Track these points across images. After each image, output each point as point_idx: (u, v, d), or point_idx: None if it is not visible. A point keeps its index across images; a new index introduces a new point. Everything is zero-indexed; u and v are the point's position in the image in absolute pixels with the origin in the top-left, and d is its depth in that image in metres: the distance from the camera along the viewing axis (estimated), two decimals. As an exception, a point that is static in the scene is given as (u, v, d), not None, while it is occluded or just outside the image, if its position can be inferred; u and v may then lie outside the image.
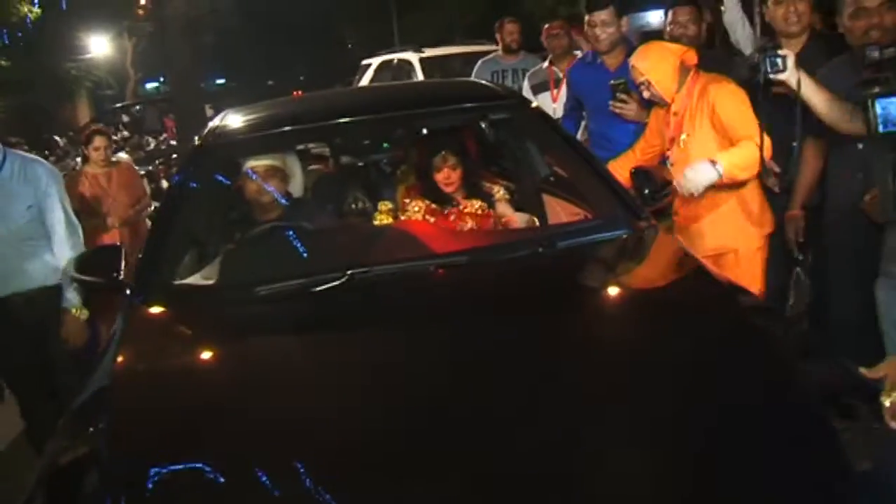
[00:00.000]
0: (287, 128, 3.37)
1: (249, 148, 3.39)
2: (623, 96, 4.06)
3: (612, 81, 4.15)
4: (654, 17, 14.53)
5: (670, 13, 4.28)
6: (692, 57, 3.63)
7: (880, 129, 2.14)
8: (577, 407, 1.93)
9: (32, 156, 4.07)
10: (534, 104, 3.87)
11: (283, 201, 3.44)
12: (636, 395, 1.97)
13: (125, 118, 18.92)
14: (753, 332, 2.30)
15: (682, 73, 3.61)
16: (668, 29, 4.29)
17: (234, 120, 3.48)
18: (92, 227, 5.38)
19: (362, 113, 3.45)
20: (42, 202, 3.93)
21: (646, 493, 1.69)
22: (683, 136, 3.59)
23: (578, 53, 5.70)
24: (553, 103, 5.56)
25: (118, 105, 21.32)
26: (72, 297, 3.89)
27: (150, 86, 28.46)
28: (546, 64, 5.92)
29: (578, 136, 4.79)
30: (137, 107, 20.61)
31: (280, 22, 25.96)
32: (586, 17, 4.37)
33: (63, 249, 3.94)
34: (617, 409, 1.92)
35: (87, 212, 5.55)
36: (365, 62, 12.82)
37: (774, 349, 2.21)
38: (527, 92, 5.72)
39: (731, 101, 3.52)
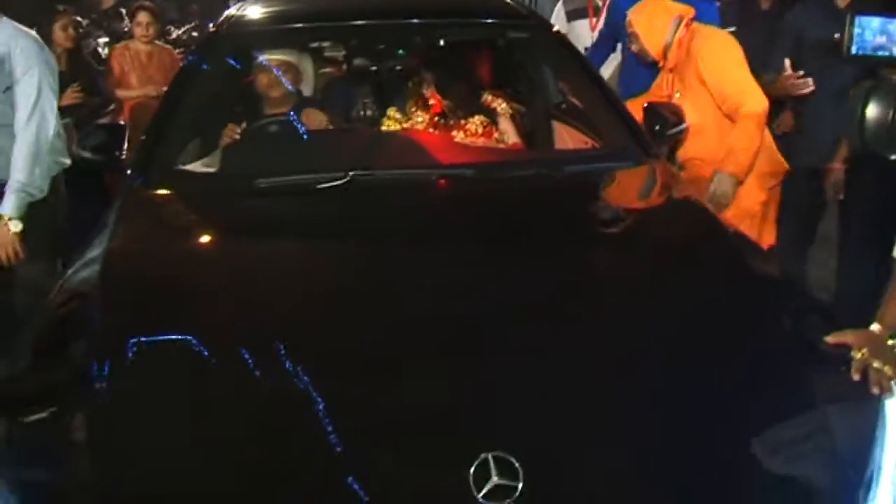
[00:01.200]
0: (303, 24, 3.31)
1: (263, 40, 3.34)
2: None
3: (623, 20, 4.04)
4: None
5: None
6: (689, 11, 3.56)
7: (853, 49, 2.04)
8: (564, 332, 1.94)
9: (23, 29, 3.46)
10: (555, 28, 3.77)
11: (293, 96, 3.38)
12: (623, 325, 1.98)
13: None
14: (740, 272, 2.28)
15: (674, 27, 3.52)
16: None
17: (251, 11, 3.41)
18: (126, 99, 5.41)
19: (378, 17, 3.38)
20: (18, 80, 3.33)
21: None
22: (677, 95, 3.53)
23: None
24: (592, 31, 5.35)
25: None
26: (9, 203, 3.26)
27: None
28: None
29: (607, 66, 4.69)
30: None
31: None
32: None
33: (19, 141, 3.31)
34: (605, 334, 1.95)
35: (123, 85, 5.56)
36: None
37: (758, 290, 2.20)
38: (559, 17, 5.48)
39: (715, 59, 3.44)
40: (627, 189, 2.88)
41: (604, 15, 5.14)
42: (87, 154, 2.94)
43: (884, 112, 1.95)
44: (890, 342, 2.10)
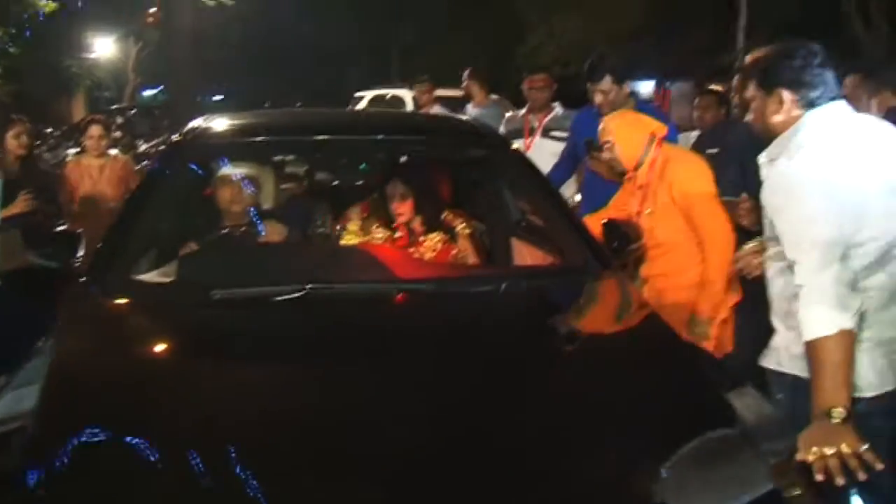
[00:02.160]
0: (266, 137, 3.31)
1: (226, 151, 3.34)
2: (596, 154, 4.03)
3: (585, 139, 4.12)
4: (645, 88, 14.80)
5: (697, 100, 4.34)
6: (662, 130, 3.62)
7: None
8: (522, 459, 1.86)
9: None
10: (514, 146, 3.83)
11: (254, 213, 3.36)
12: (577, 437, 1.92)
13: (119, 120, 18.80)
14: (698, 384, 2.25)
15: (648, 144, 3.56)
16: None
17: (216, 123, 3.41)
18: (81, 215, 5.32)
19: (339, 132, 3.40)
20: None
21: None
22: (648, 211, 3.55)
23: (555, 105, 5.70)
24: (526, 151, 5.53)
25: (114, 106, 21.20)
26: None
27: (147, 93, 28.32)
28: (523, 112, 5.90)
29: (569, 184, 4.82)
30: (133, 111, 20.49)
31: (284, 50, 26.00)
32: (588, 85, 4.35)
33: None
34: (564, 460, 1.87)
35: (76, 201, 5.54)
36: (357, 94, 12.87)
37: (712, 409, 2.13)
38: None
39: (689, 186, 3.46)
40: (586, 303, 2.86)
41: (537, 136, 5.35)
42: (40, 261, 2.87)
43: None
44: (835, 421, 2.12)
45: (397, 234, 3.41)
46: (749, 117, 2.60)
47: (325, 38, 25.24)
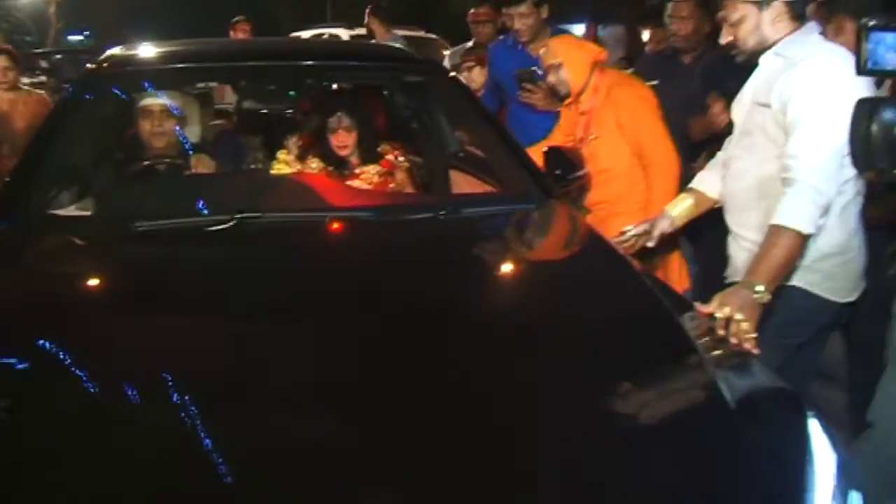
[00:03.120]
0: (189, 64, 3.09)
1: (146, 77, 3.07)
2: (529, 85, 3.87)
3: (517, 70, 3.96)
4: (577, 31, 14.63)
5: (669, 5, 4.13)
6: (601, 55, 3.50)
7: (868, 65, 2.00)
8: (463, 386, 1.70)
9: None
10: (450, 73, 3.65)
11: (177, 141, 3.14)
12: (524, 373, 1.76)
13: (44, 64, 18.05)
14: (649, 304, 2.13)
15: (591, 70, 3.44)
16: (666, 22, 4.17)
17: (136, 50, 3.17)
18: None
19: (269, 58, 3.19)
20: None
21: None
22: (592, 137, 3.43)
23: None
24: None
25: (38, 50, 20.35)
26: None
27: (73, 38, 27.22)
28: (469, 46, 5.69)
29: None
30: (58, 56, 19.67)
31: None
32: (504, 10, 4.17)
33: None
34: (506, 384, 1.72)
35: None
36: (293, 35, 12.46)
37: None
38: None
39: (636, 110, 3.38)
40: (530, 231, 2.73)
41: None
42: None
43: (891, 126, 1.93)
44: (756, 296, 2.31)
45: (331, 167, 3.22)
46: (729, 38, 2.73)
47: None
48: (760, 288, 2.31)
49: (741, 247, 2.65)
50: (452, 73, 3.68)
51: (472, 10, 5.60)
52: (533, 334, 1.91)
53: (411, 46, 6.07)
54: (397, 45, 6.13)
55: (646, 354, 1.86)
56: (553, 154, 3.11)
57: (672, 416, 1.72)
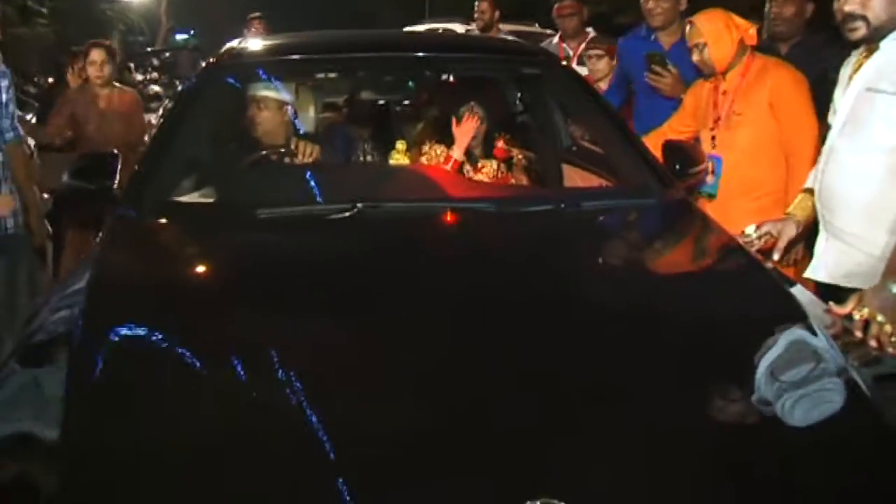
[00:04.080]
0: (306, 55, 3.07)
1: (264, 70, 3.06)
2: (658, 68, 3.72)
3: (647, 52, 3.81)
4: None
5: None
6: (753, 37, 3.31)
7: None
8: (605, 377, 1.64)
9: None
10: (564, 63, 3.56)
11: (292, 130, 3.13)
12: (666, 373, 1.67)
13: (155, 62, 18.63)
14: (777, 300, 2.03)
15: (740, 49, 3.28)
16: (766, 8, 4.00)
17: (252, 43, 3.18)
18: (81, 147, 4.83)
19: (385, 50, 3.14)
20: None
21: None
22: (737, 115, 3.27)
23: (590, 31, 5.37)
24: None
25: (149, 49, 21.02)
26: None
27: (180, 37, 28.01)
28: (556, 39, 5.57)
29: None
30: (167, 53, 20.29)
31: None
32: None
33: None
34: (648, 380, 1.64)
35: (75, 131, 5.02)
36: (408, 29, 12.36)
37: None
38: None
39: (795, 93, 3.21)
40: (651, 224, 2.63)
41: (573, 64, 5.05)
42: (75, 182, 2.66)
43: None
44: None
45: (456, 156, 3.15)
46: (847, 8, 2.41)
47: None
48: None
49: (845, 243, 2.48)
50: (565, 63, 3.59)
51: (556, 5, 5.48)
52: (665, 331, 1.82)
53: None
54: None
55: (783, 354, 1.75)
56: (672, 148, 2.99)
57: (818, 421, 1.61)
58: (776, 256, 2.65)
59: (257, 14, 6.87)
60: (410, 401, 1.55)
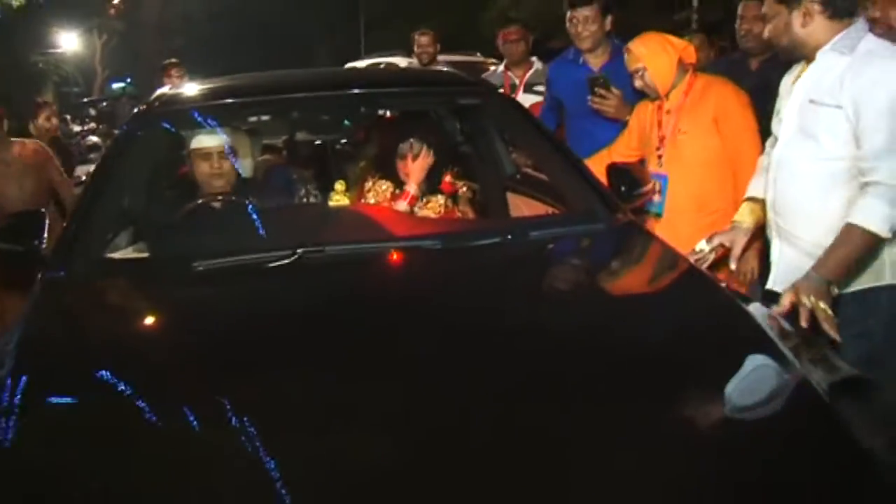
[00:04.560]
0: (240, 99, 2.97)
1: (197, 115, 2.95)
2: (602, 91, 3.69)
3: (589, 75, 3.78)
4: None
5: (740, 6, 3.97)
6: (691, 54, 3.30)
7: None
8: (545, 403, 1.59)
9: None
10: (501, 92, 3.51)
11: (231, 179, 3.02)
12: (614, 388, 1.65)
13: (92, 112, 18.40)
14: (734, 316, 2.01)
15: (680, 70, 3.27)
16: (736, 24, 4.01)
17: (184, 88, 3.09)
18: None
19: (322, 88, 3.07)
20: None
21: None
22: (682, 133, 3.26)
23: (534, 60, 5.36)
24: None
25: (86, 99, 20.75)
26: None
27: (116, 85, 27.68)
28: (501, 68, 5.55)
29: None
30: (104, 103, 20.04)
31: (248, 30, 25.47)
32: (567, 13, 4.00)
33: None
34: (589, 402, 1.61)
35: None
36: (350, 65, 12.18)
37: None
38: None
39: (739, 108, 3.22)
40: (599, 251, 2.58)
41: (520, 92, 5.03)
42: (1, 244, 2.52)
43: None
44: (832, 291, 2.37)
45: (398, 192, 3.06)
46: (766, 34, 2.65)
47: (289, 18, 24.74)
48: (833, 286, 2.36)
49: (798, 249, 2.56)
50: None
51: (502, 31, 5.45)
52: (628, 355, 1.77)
53: (462, 70, 5.93)
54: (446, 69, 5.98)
55: (746, 374, 1.74)
56: (616, 170, 2.95)
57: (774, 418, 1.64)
58: (733, 265, 2.75)
59: (173, 60, 6.60)
60: (364, 447, 1.48)
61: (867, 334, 2.47)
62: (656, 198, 3.26)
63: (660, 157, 3.31)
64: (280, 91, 3.05)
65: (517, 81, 5.28)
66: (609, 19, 3.92)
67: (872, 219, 2.32)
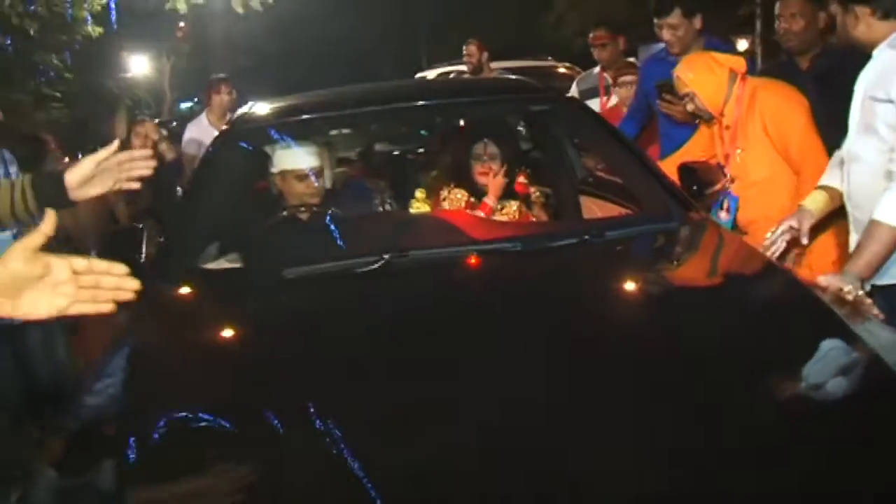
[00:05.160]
0: (319, 114, 3.08)
1: (280, 131, 3.06)
2: (668, 97, 3.71)
3: (657, 82, 3.81)
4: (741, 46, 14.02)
5: (777, 4, 3.87)
6: (741, 65, 3.25)
7: None
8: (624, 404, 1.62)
9: None
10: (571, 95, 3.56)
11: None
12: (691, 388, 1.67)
13: (164, 132, 18.76)
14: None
15: (731, 82, 3.20)
16: (776, 24, 3.92)
17: (263, 106, 3.20)
18: None
19: (396, 101, 3.16)
20: None
21: None
22: (739, 152, 3.20)
23: (634, 60, 5.37)
24: (600, 110, 5.21)
25: (157, 120, 21.22)
26: None
27: (184, 105, 28.36)
28: (598, 69, 5.56)
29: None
30: (174, 123, 20.50)
31: (314, 48, 25.84)
32: (655, 21, 4.03)
33: None
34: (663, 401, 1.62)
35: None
36: (420, 75, 12.21)
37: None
38: (573, 95, 5.35)
39: (784, 112, 3.12)
40: (678, 248, 2.61)
41: (613, 95, 5.03)
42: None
43: None
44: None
45: (472, 200, 3.14)
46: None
47: (352, 37, 25.05)
48: (860, 278, 2.39)
49: None
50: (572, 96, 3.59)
51: (591, 34, 5.44)
52: (709, 356, 1.79)
53: (533, 75, 5.96)
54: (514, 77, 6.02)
55: (817, 349, 1.80)
56: (688, 170, 2.98)
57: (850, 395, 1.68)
58: (804, 241, 2.77)
59: (222, 76, 6.62)
60: (453, 457, 1.52)
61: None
62: (723, 216, 3.21)
63: (725, 174, 3.23)
64: (359, 105, 3.15)
65: (611, 82, 5.29)
66: (698, 18, 3.91)
67: (891, 212, 2.38)
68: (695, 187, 2.90)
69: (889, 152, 2.44)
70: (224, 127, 3.23)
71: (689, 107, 3.30)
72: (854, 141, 2.62)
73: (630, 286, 2.30)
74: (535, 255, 2.44)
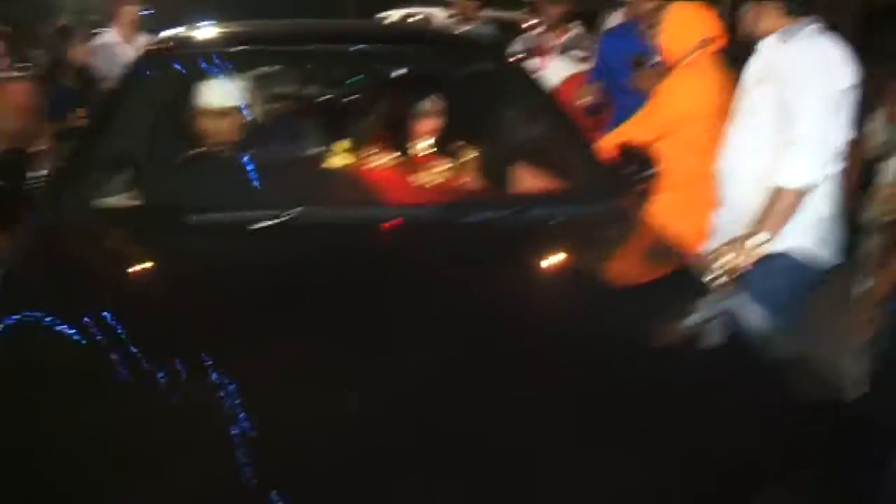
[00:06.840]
0: (252, 46, 2.85)
1: (207, 60, 2.81)
2: (644, 69, 3.62)
3: (636, 54, 3.69)
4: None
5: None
6: (717, 39, 3.23)
7: None
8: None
9: None
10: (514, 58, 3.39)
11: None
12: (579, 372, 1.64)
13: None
14: None
15: (696, 48, 3.19)
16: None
17: (195, 31, 2.95)
18: None
19: (333, 41, 2.95)
20: None
21: None
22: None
23: (576, 24, 5.19)
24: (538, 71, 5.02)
25: (97, 30, 20.35)
26: None
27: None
28: (535, 32, 5.37)
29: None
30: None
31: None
32: None
33: None
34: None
35: None
36: (380, 16, 11.61)
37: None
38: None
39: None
40: (595, 233, 2.48)
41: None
42: None
43: None
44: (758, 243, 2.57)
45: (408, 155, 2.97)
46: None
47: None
48: (762, 237, 2.57)
49: (738, 214, 2.76)
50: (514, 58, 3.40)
51: None
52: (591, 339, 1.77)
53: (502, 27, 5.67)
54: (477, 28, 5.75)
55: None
56: (628, 151, 2.84)
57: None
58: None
59: None
60: (338, 417, 1.44)
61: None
62: None
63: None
64: (293, 42, 2.94)
65: (551, 44, 5.11)
66: None
67: (793, 175, 2.60)
68: (632, 168, 2.77)
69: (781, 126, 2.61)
70: (143, 46, 2.97)
71: (654, 38, 3.35)
72: (735, 123, 2.85)
73: (532, 266, 2.24)
74: (450, 226, 2.31)
